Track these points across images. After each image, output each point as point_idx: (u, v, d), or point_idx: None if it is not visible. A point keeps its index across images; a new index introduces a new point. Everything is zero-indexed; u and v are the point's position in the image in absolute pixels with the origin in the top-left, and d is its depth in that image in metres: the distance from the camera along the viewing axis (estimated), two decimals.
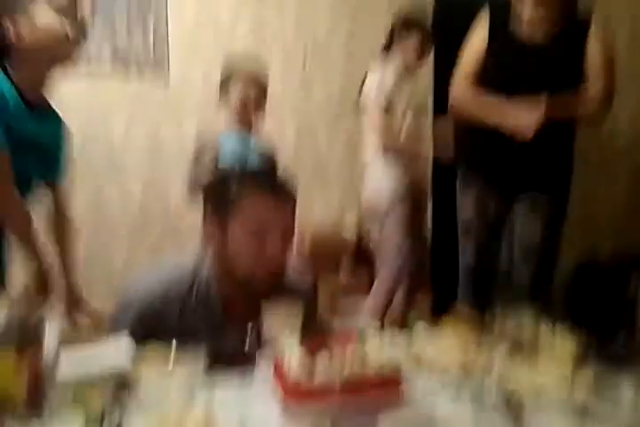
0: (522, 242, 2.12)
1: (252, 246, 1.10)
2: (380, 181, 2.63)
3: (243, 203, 1.12)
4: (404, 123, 2.60)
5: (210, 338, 1.16)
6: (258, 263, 1.12)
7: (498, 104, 1.94)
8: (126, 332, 1.10)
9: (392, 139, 2.58)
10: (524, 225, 2.12)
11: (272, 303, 1.16)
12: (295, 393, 0.93)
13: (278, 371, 1.02)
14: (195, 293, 1.18)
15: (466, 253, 2.23)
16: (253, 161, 2.25)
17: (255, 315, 1.15)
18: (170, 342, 1.09)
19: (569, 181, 2.16)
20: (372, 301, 2.41)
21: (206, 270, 1.19)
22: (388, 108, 2.56)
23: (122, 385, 1.02)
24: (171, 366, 1.08)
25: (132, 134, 3.23)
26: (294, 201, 1.19)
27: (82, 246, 3.09)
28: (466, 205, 2.18)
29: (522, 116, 1.88)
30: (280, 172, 1.35)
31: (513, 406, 0.95)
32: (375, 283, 2.54)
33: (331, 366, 0.94)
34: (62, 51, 1.43)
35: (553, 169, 2.09)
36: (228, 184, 1.16)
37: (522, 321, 1.35)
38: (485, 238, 2.19)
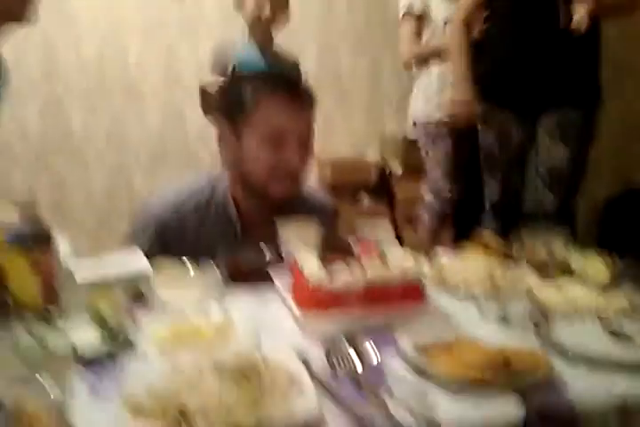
0: (547, 167, 2.03)
1: (267, 154, 1.06)
2: (415, 107, 2.51)
3: (258, 105, 1.06)
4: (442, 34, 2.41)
5: (227, 253, 1.13)
6: (274, 173, 1.07)
7: None
8: (143, 247, 1.08)
9: (416, 48, 2.41)
10: (548, 149, 2.02)
11: (289, 218, 1.12)
12: (313, 299, 0.90)
13: (296, 278, 0.99)
14: (212, 205, 1.14)
15: (491, 188, 2.18)
16: (271, 67, 2.13)
17: (273, 231, 1.11)
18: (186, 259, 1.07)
19: (597, 95, 2.02)
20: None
21: (223, 183, 1.15)
22: (423, 17, 2.41)
23: (138, 291, 1.01)
24: (189, 276, 1.06)
25: (146, 55, 3.09)
26: (312, 109, 1.12)
27: (104, 174, 3.15)
28: (488, 138, 2.12)
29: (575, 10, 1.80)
30: (299, 77, 1.25)
31: (542, 324, 0.91)
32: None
33: (351, 273, 0.90)
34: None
35: (576, 80, 1.95)
36: (243, 85, 1.10)
37: (551, 245, 1.29)
38: (510, 172, 2.12)
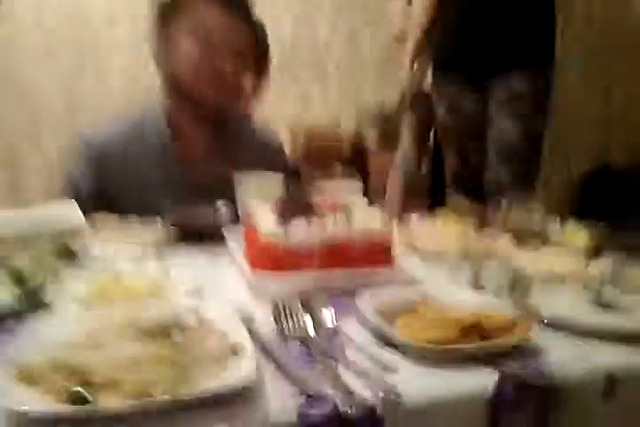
0: (497, 140, 1.94)
1: (195, 55, 1.05)
2: None
3: (187, 6, 1.07)
4: None
5: (175, 202, 1.05)
6: (202, 75, 1.06)
7: None
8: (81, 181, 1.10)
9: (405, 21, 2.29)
10: (498, 121, 1.92)
11: (247, 169, 1.02)
12: (265, 257, 0.79)
13: (249, 234, 0.88)
14: (145, 126, 1.13)
15: (449, 160, 2.13)
16: None
17: (211, 156, 1.14)
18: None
19: (549, 55, 1.90)
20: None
21: (157, 107, 1.14)
22: None
23: (68, 248, 0.88)
24: (129, 232, 0.94)
25: None
26: (252, 21, 1.14)
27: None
28: (440, 109, 2.07)
29: None
30: None
31: (518, 291, 0.82)
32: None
33: (311, 230, 0.80)
34: None
35: (525, 39, 1.83)
36: None
37: (529, 214, 1.21)
38: (464, 143, 2.05)
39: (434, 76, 2.05)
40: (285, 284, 0.78)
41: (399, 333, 0.63)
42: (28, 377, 0.47)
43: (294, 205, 0.90)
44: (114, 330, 0.54)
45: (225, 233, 0.98)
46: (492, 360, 0.60)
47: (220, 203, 1.07)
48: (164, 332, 0.54)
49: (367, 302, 0.71)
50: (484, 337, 0.63)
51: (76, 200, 1.04)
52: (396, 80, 3.28)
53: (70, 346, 0.52)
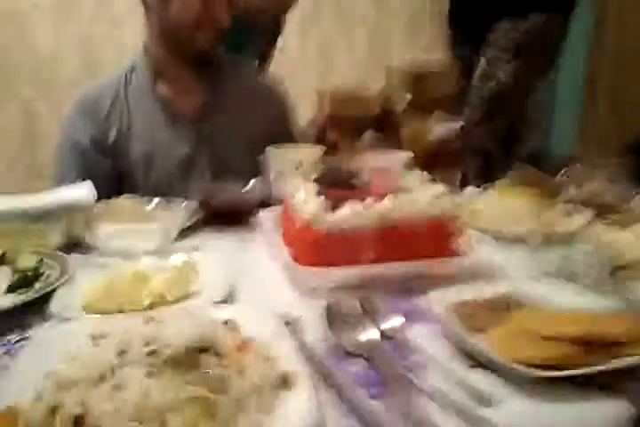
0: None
1: (196, 4, 1.03)
2: None
3: None
4: None
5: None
6: (200, 23, 1.05)
7: None
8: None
9: None
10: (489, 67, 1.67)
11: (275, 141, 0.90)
12: (310, 245, 0.65)
13: (287, 218, 0.73)
14: (132, 80, 1.12)
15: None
16: None
17: (208, 107, 1.12)
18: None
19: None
20: None
21: (141, 61, 1.13)
22: None
23: (74, 231, 0.75)
24: (145, 212, 0.80)
25: None
26: None
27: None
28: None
29: None
30: None
31: (620, 278, 0.67)
32: None
33: (361, 211, 0.64)
34: None
35: None
36: None
37: (611, 184, 1.03)
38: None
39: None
40: (335, 278, 0.64)
41: (495, 349, 0.48)
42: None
43: (341, 184, 0.74)
44: (126, 359, 0.40)
45: (259, 216, 0.84)
46: (622, 387, 0.46)
47: (253, 180, 0.93)
48: (191, 359, 0.41)
49: (443, 305, 0.56)
50: (606, 351, 0.48)
51: (81, 163, 1.08)
52: (428, 36, 3.01)
53: (71, 382, 0.39)
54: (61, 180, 1.12)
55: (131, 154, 1.09)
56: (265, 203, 0.93)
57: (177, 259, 0.68)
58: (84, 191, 0.82)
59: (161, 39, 1.10)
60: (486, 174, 1.71)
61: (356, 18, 3.04)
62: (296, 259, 0.67)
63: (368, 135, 2.77)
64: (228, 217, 0.89)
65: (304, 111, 3.20)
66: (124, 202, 0.85)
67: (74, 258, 0.69)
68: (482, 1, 1.65)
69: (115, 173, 1.10)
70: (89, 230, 0.73)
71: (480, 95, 1.65)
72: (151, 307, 0.56)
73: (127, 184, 1.11)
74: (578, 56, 2.63)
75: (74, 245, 0.74)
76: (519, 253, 0.77)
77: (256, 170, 0.97)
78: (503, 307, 0.55)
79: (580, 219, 0.88)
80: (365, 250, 0.65)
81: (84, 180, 1.07)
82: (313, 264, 0.64)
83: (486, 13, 1.64)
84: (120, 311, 0.55)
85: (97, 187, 1.07)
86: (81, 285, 0.60)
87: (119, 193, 1.08)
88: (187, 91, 1.12)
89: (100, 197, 0.87)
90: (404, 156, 1.02)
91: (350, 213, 0.64)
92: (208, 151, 1.11)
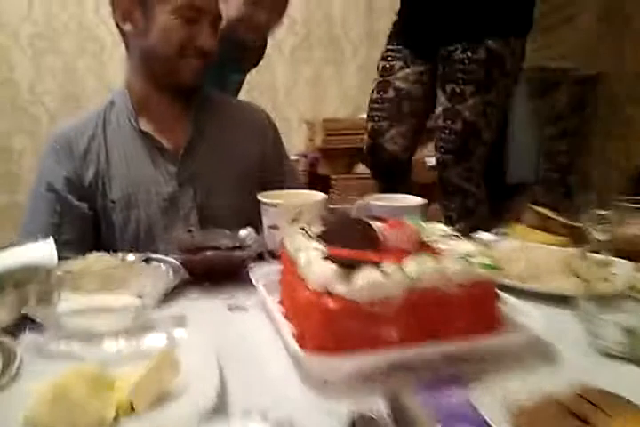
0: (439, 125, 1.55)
1: (179, 30, 0.97)
2: None
3: None
4: None
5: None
6: (184, 51, 0.97)
7: None
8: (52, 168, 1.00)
9: None
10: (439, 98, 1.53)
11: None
12: (323, 322, 0.52)
13: (290, 284, 0.61)
14: (113, 113, 1.04)
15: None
16: None
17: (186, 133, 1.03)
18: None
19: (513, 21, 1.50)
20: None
21: (122, 95, 1.05)
22: None
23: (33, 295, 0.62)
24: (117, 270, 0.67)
25: None
26: None
27: None
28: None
29: None
30: None
31: None
32: None
33: (384, 275, 0.52)
34: None
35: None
36: None
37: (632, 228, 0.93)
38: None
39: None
40: (356, 369, 0.51)
41: None
42: None
43: (350, 241, 0.62)
44: None
45: (251, 275, 0.71)
46: None
47: (245, 231, 0.81)
48: None
49: (495, 409, 0.43)
50: None
51: (52, 208, 0.98)
52: None
53: None
54: (29, 227, 1.01)
55: (110, 195, 0.99)
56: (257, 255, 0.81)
57: (153, 341, 0.55)
58: (43, 251, 0.68)
59: (142, 71, 1.02)
60: (469, 215, 1.59)
61: (346, 49, 3.01)
62: (302, 340, 0.54)
63: (361, 169, 2.67)
64: (215, 276, 0.77)
65: (294, 144, 3.10)
66: (93, 263, 0.71)
67: (21, 344, 0.55)
68: (432, 23, 1.51)
69: (89, 219, 0.99)
70: (45, 304, 0.59)
71: (448, 137, 1.52)
72: (115, 422, 0.42)
73: (104, 231, 1.00)
74: None
75: (23, 325, 0.60)
76: (559, 317, 0.65)
77: (249, 213, 0.86)
78: (581, 410, 0.43)
79: (621, 273, 0.77)
80: (389, 328, 0.53)
81: (54, 226, 0.97)
82: (323, 347, 0.52)
83: (438, 36, 1.51)
84: None
85: (67, 237, 0.98)
86: (25, 387, 0.46)
87: (92, 245, 0.98)
88: (171, 126, 1.02)
89: (66, 254, 0.75)
90: (417, 200, 0.91)
91: (370, 281, 0.52)
92: (195, 191, 1.00)
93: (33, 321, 0.58)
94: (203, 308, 0.70)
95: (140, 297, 0.63)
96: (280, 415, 0.45)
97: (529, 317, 0.60)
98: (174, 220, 0.99)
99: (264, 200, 0.82)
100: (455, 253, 0.58)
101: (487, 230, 1.05)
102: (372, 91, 1.66)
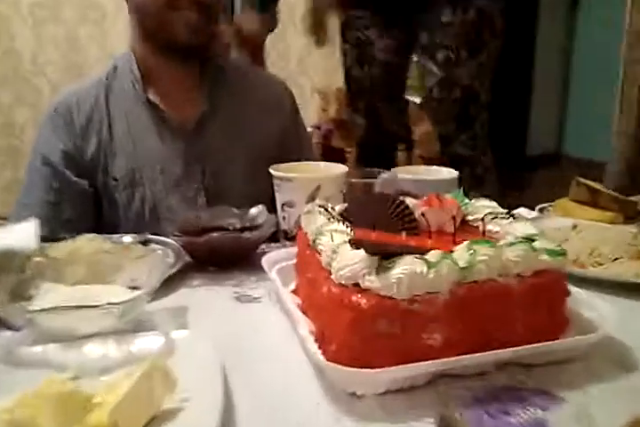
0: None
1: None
2: None
3: None
4: None
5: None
6: (177, 4, 0.85)
7: None
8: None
9: None
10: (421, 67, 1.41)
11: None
12: (352, 323, 0.41)
13: (310, 275, 0.51)
14: (116, 77, 0.93)
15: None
16: None
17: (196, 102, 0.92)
18: None
19: None
20: None
21: (126, 56, 0.94)
22: None
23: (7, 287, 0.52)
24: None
25: None
26: None
27: None
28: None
29: None
30: None
31: None
32: None
33: (428, 271, 0.42)
34: None
35: None
36: None
37: None
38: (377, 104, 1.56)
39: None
40: (393, 376, 0.41)
41: None
42: None
43: (382, 222, 0.52)
44: None
45: (263, 261, 0.61)
46: None
47: (257, 208, 0.70)
48: None
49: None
50: None
51: (48, 184, 0.88)
52: None
53: None
54: (22, 204, 0.92)
55: (112, 171, 0.89)
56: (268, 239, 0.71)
57: (146, 344, 0.45)
58: (22, 234, 0.59)
59: (139, 31, 0.90)
60: (480, 184, 1.47)
61: None
62: (324, 344, 0.44)
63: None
64: (221, 261, 0.67)
65: (307, 115, 2.96)
66: (82, 247, 0.62)
67: None
68: None
69: (90, 196, 0.90)
70: (19, 299, 0.50)
71: (447, 108, 1.40)
72: None
73: (106, 210, 0.91)
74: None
75: None
76: (634, 311, 0.55)
77: (263, 197, 0.76)
78: None
79: None
80: (433, 330, 0.43)
81: (50, 204, 0.88)
82: (352, 354, 0.42)
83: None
84: None
85: (66, 216, 0.89)
86: None
87: (93, 225, 0.89)
88: (181, 98, 0.91)
89: (63, 235, 0.66)
90: (452, 173, 0.79)
91: (411, 272, 0.41)
92: (203, 171, 0.90)
93: (2, 320, 0.49)
94: (206, 298, 0.60)
95: (132, 288, 0.53)
96: None
97: (598, 311, 0.49)
98: (180, 201, 0.89)
99: (277, 174, 0.71)
100: (512, 237, 0.47)
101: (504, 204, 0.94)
102: (350, 66, 1.54)
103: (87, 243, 0.65)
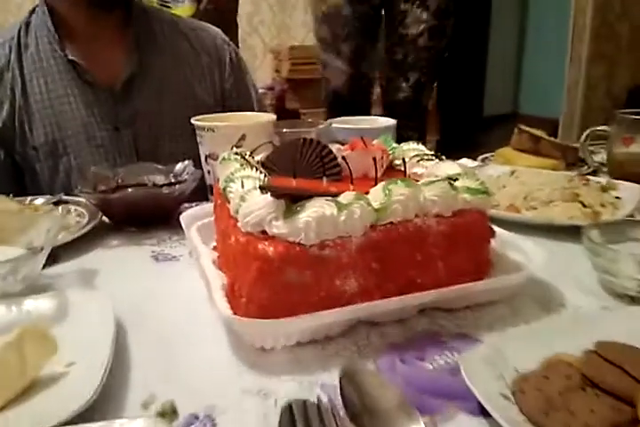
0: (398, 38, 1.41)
1: None
2: None
3: None
4: None
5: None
6: None
7: None
8: None
9: None
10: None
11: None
12: (261, 272, 0.38)
13: (223, 225, 0.47)
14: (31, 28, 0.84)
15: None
16: None
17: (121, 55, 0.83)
18: None
19: None
20: None
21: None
22: None
23: None
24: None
25: None
26: None
27: None
28: None
29: None
30: None
31: None
32: None
33: (339, 214, 0.38)
34: None
35: None
36: None
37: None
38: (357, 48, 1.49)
39: None
40: (303, 332, 0.39)
41: None
42: None
43: (301, 168, 0.48)
44: None
45: (182, 217, 0.57)
46: None
47: (181, 164, 0.65)
48: None
49: (489, 388, 0.32)
50: None
51: None
52: None
53: None
54: None
55: (31, 140, 0.81)
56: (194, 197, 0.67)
57: (39, 306, 0.41)
58: None
59: None
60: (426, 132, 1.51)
61: None
62: (234, 297, 0.41)
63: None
64: (139, 220, 0.62)
65: (259, 75, 2.86)
66: None
67: None
68: None
69: (7, 167, 0.83)
70: None
71: (430, 56, 1.40)
72: None
73: (28, 181, 0.84)
74: None
75: None
76: (561, 252, 0.53)
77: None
78: (598, 372, 0.31)
79: (628, 197, 0.65)
80: (347, 277, 0.40)
81: None
82: (261, 305, 0.39)
83: None
84: None
85: None
86: None
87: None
88: (106, 55, 0.82)
89: None
90: (388, 121, 0.76)
91: (320, 216, 0.38)
92: (134, 136, 0.83)
93: None
94: (122, 259, 0.56)
95: (30, 249, 0.48)
96: (196, 404, 0.33)
97: (525, 253, 0.48)
98: (116, 161, 0.81)
99: (198, 124, 0.65)
100: (433, 177, 0.44)
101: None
102: (340, 5, 1.45)
103: None
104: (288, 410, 0.29)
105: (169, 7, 1.52)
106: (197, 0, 1.47)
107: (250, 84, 0.97)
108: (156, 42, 0.86)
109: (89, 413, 0.31)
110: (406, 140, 0.58)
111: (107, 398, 0.33)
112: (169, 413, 0.31)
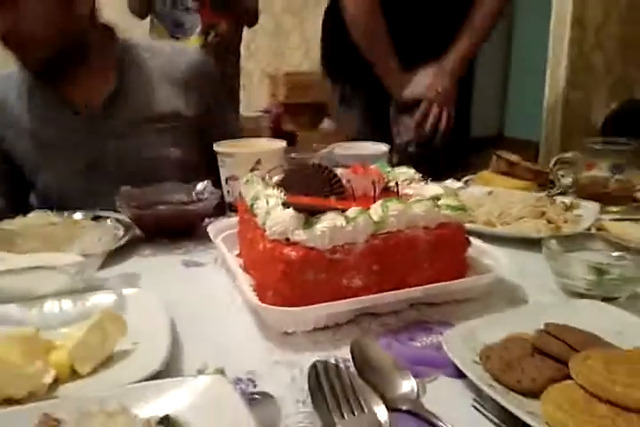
0: None
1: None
2: None
3: None
4: None
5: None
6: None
7: None
8: None
9: None
10: None
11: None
12: (283, 271, 0.48)
13: (248, 234, 0.57)
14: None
15: None
16: None
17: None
18: None
19: None
20: None
21: None
22: None
23: None
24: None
25: None
26: None
27: None
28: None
29: None
30: None
31: None
32: None
33: (346, 225, 0.49)
34: None
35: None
36: None
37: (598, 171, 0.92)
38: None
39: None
40: (319, 319, 0.48)
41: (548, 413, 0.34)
42: None
43: (312, 188, 0.58)
44: None
45: (208, 230, 0.66)
46: None
47: (202, 184, 0.75)
48: None
49: (466, 356, 0.42)
50: None
51: None
52: None
53: None
54: None
55: (16, 157, 0.89)
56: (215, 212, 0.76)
57: (100, 301, 0.50)
58: None
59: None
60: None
61: (309, 3, 2.86)
62: (261, 292, 0.51)
63: (327, 124, 2.61)
64: (169, 233, 0.72)
65: (256, 99, 2.99)
66: (32, 221, 0.65)
67: None
68: None
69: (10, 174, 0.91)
70: None
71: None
72: (55, 386, 0.38)
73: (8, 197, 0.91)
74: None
75: None
76: (527, 260, 0.64)
77: (196, 166, 0.80)
78: (546, 345, 0.41)
79: (588, 215, 0.76)
80: (352, 276, 0.50)
81: None
82: (284, 298, 0.49)
83: None
84: (5, 401, 0.37)
85: None
86: None
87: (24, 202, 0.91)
88: (86, 78, 0.87)
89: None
90: (383, 148, 0.87)
91: (332, 226, 0.48)
92: (120, 151, 0.87)
93: None
94: (156, 265, 0.66)
95: (85, 255, 0.58)
96: (239, 371, 0.42)
97: (496, 260, 0.58)
98: (101, 180, 0.86)
99: (220, 150, 0.76)
100: (421, 197, 0.55)
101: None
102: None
103: (38, 217, 0.69)
104: (314, 368, 0.39)
105: (178, 38, 1.65)
106: (205, 33, 1.60)
107: (227, 100, 1.06)
108: (136, 63, 0.90)
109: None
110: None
111: (169, 368, 0.42)
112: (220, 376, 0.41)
